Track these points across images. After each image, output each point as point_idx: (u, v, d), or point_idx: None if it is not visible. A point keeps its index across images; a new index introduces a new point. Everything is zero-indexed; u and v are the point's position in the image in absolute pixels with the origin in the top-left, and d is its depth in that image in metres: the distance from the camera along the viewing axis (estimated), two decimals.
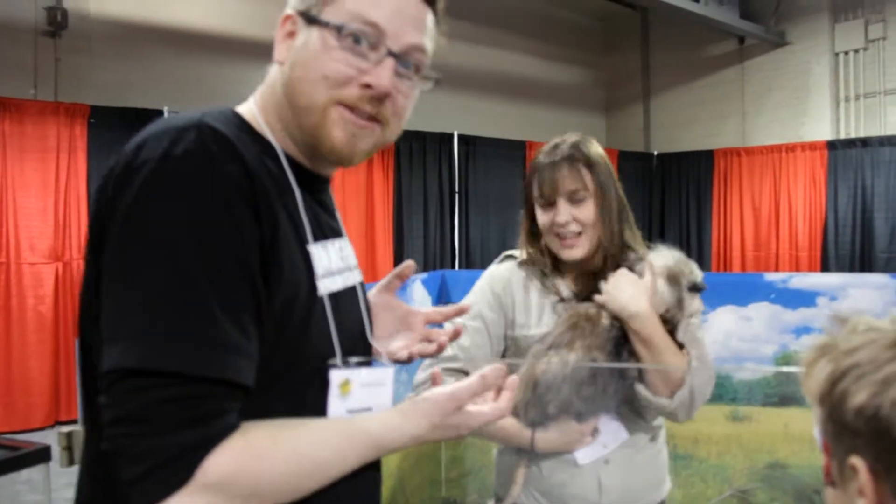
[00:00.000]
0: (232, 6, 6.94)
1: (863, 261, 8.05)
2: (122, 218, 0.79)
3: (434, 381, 1.00)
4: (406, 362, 1.11)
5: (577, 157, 1.53)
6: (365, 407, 0.92)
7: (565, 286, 1.61)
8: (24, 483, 4.16)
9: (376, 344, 1.06)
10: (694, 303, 1.51)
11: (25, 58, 5.91)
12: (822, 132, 8.50)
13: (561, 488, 1.54)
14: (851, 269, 7.93)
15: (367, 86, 0.91)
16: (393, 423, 0.88)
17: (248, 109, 0.96)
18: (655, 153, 9.83)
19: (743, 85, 9.18)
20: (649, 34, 10.06)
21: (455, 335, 1.15)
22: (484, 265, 1.72)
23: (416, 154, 7.68)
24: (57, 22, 5.95)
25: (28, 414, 5.51)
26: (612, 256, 1.56)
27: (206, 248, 0.78)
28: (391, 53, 0.91)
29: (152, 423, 0.74)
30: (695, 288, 1.50)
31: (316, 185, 0.99)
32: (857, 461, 0.70)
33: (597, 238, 1.54)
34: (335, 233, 1.00)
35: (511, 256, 1.68)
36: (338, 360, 0.91)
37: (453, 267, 7.84)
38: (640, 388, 1.50)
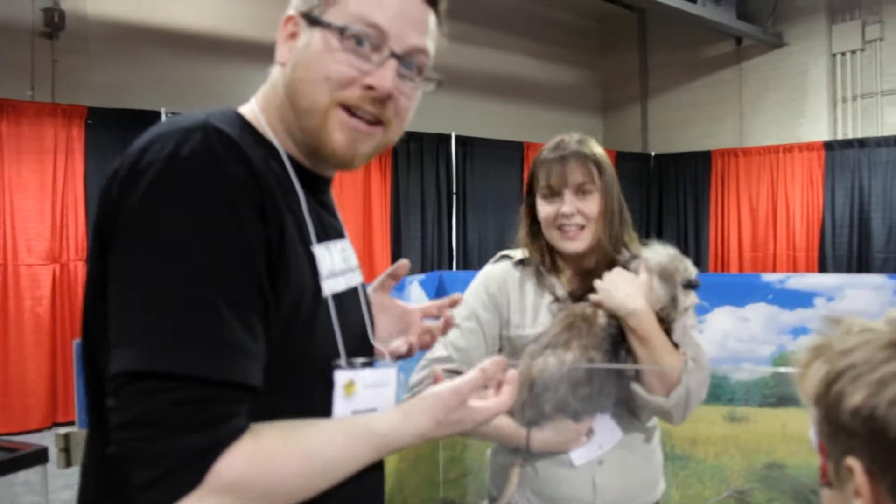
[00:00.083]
0: (229, 7, 6.94)
1: (860, 261, 8.07)
2: (128, 219, 0.79)
3: (435, 380, 1.00)
4: (407, 356, 1.12)
5: (585, 153, 1.56)
6: (369, 407, 0.93)
7: (560, 286, 1.61)
8: (21, 485, 4.15)
9: (378, 344, 1.06)
10: (688, 298, 1.51)
11: (22, 59, 5.90)
12: (820, 133, 8.51)
13: (555, 489, 1.54)
14: (849, 270, 7.95)
15: (370, 87, 0.91)
16: (398, 422, 0.88)
17: (250, 110, 0.96)
18: (653, 154, 9.84)
19: (740, 86, 9.19)
20: (647, 35, 10.07)
21: (446, 327, 1.16)
22: (481, 266, 1.73)
23: (414, 155, 7.68)
24: (54, 23, 5.95)
25: (25, 415, 5.50)
26: (607, 256, 1.57)
27: (213, 249, 0.78)
28: (394, 55, 0.92)
29: (162, 426, 0.74)
30: (689, 285, 1.51)
31: (318, 186, 0.99)
32: (853, 462, 0.70)
33: (597, 234, 1.56)
34: (337, 233, 1.01)
35: (507, 256, 1.69)
36: (342, 361, 0.92)
37: (451, 268, 7.84)
38: (637, 388, 1.50)
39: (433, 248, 7.86)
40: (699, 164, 9.25)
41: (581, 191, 1.55)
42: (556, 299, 1.59)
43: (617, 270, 1.52)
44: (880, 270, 7.57)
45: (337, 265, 0.96)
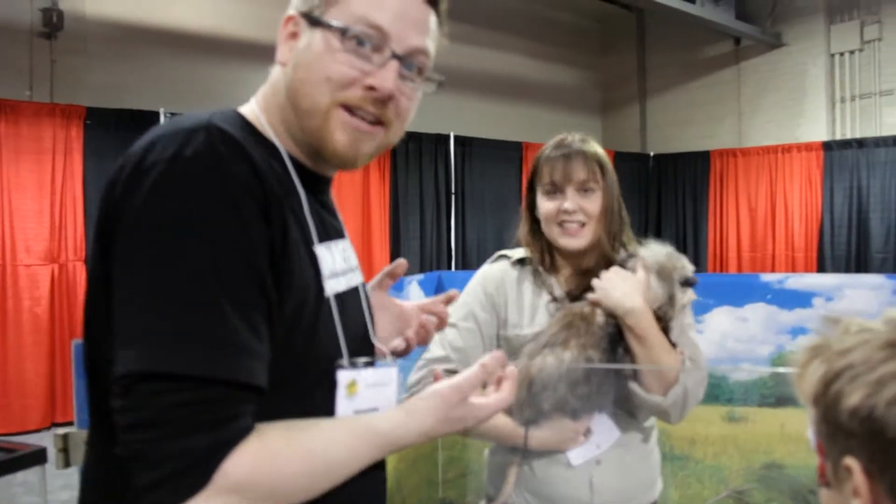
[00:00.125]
0: (227, 8, 6.93)
1: (859, 261, 8.07)
2: (131, 219, 0.79)
3: (435, 378, 1.01)
4: (404, 354, 1.12)
5: (588, 152, 1.58)
6: (371, 407, 0.93)
7: (558, 285, 1.61)
8: (20, 485, 4.15)
9: (379, 344, 1.06)
10: (686, 295, 1.51)
11: (21, 59, 5.90)
12: (818, 133, 8.52)
13: (553, 488, 1.54)
14: (847, 270, 7.95)
15: (371, 88, 0.91)
16: (400, 421, 0.88)
17: (251, 111, 0.96)
18: (652, 154, 9.85)
19: (739, 86, 9.19)
20: (645, 35, 10.07)
21: (441, 323, 1.18)
22: (480, 266, 1.73)
23: (413, 155, 7.68)
24: (53, 23, 5.95)
25: (24, 416, 5.50)
26: (606, 256, 1.58)
27: (216, 249, 0.78)
28: (395, 56, 0.92)
29: (168, 427, 0.74)
30: (686, 282, 1.51)
31: (319, 186, 0.99)
32: (851, 462, 0.70)
33: (597, 233, 1.57)
34: (338, 233, 1.01)
35: (504, 256, 1.69)
36: (345, 361, 0.92)
37: (450, 268, 7.84)
38: (635, 387, 1.50)
39: (432, 248, 7.86)
40: (698, 165, 9.26)
41: (583, 188, 1.56)
42: (554, 299, 1.59)
43: (614, 269, 1.52)
44: (879, 270, 7.57)
45: (338, 265, 0.96)
